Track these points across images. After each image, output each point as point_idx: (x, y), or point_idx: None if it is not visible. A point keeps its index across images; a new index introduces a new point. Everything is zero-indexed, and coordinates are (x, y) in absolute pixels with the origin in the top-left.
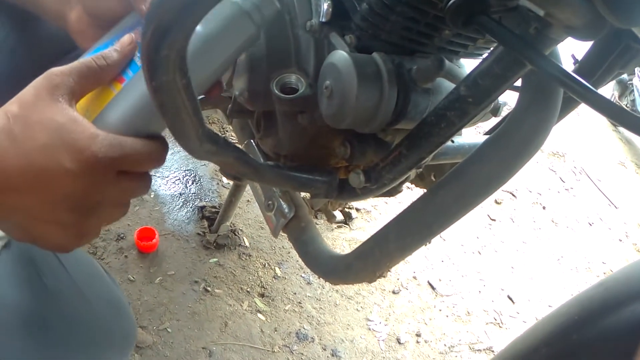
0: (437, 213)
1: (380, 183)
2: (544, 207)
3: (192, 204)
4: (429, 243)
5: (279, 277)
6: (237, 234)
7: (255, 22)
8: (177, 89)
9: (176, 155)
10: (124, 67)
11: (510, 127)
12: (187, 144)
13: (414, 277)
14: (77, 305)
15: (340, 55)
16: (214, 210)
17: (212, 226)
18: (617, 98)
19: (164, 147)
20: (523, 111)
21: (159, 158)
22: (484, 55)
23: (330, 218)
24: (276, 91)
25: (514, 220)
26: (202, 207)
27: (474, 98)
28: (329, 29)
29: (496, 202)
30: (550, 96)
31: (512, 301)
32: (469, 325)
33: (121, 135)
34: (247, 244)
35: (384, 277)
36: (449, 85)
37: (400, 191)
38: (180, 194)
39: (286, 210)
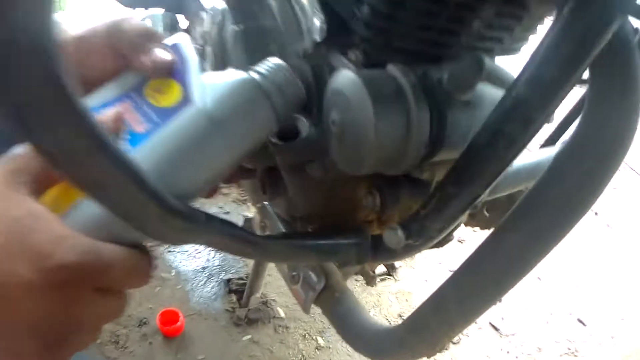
0: (507, 263)
1: (426, 236)
2: (595, 213)
3: (217, 278)
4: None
5: (323, 347)
6: (269, 305)
7: (277, 110)
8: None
9: None
10: None
11: (586, 130)
12: (146, 227)
13: (474, 321)
14: None
15: (344, 77)
16: (241, 282)
17: (242, 300)
18: None
19: (151, 259)
20: (599, 106)
21: (146, 272)
22: (522, 49)
23: (370, 280)
24: (271, 139)
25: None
26: (228, 280)
27: (538, 99)
28: (326, 49)
29: None
30: (631, 78)
31: (583, 324)
32: None
33: (99, 241)
34: (282, 314)
35: (446, 349)
36: (494, 94)
37: (450, 240)
38: (204, 268)
39: (314, 280)
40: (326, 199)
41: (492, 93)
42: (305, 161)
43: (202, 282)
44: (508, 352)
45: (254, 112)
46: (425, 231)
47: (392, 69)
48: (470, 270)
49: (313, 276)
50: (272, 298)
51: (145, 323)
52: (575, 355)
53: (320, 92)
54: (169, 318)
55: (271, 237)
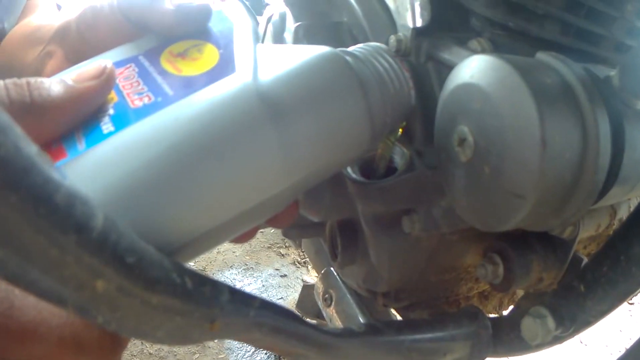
0: None
1: (583, 322)
2: None
3: (268, 350)
4: None
5: None
6: None
7: (373, 115)
8: None
9: (247, 280)
10: (71, 124)
11: None
12: (92, 309)
13: None
14: None
15: (481, 63)
16: None
17: None
18: None
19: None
20: None
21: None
22: None
23: None
24: (353, 175)
25: None
26: None
27: None
28: (433, 41)
29: None
30: None
31: None
32: None
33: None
34: None
35: None
36: None
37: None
38: None
39: None
40: (424, 267)
41: None
42: (401, 211)
43: (249, 354)
44: None
45: (339, 107)
46: (584, 315)
47: (547, 58)
48: None
49: None
50: None
51: None
52: None
53: (426, 103)
54: None
55: (349, 333)
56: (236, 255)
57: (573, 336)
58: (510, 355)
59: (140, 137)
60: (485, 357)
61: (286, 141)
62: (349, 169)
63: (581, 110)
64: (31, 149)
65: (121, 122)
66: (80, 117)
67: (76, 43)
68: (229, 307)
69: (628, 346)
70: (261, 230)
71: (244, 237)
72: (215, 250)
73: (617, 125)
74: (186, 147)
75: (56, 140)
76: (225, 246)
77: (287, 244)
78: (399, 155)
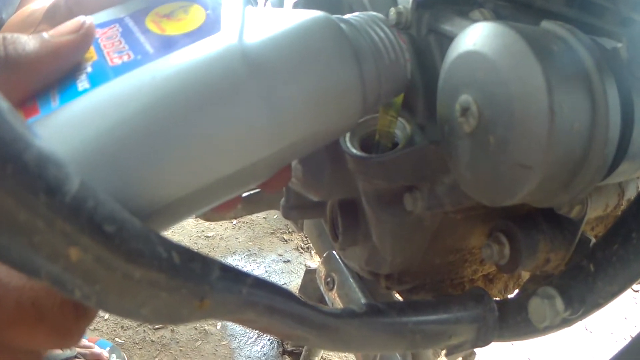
0: None
1: (593, 304)
2: None
3: (270, 336)
4: None
5: None
6: None
7: (366, 84)
8: None
9: (250, 266)
10: (46, 80)
11: None
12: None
13: None
14: None
15: (485, 30)
16: None
17: None
18: None
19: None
20: None
21: (68, 324)
22: None
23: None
24: (353, 150)
25: None
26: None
27: None
28: (435, 12)
29: None
30: None
31: None
32: None
33: None
34: None
35: None
36: None
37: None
38: None
39: None
40: (427, 248)
41: None
42: (403, 188)
43: (252, 340)
44: None
45: (329, 72)
46: (593, 296)
47: (553, 27)
48: None
49: (397, 356)
50: None
51: None
52: None
53: (428, 75)
54: None
55: (349, 313)
56: (239, 242)
57: (582, 319)
58: (517, 340)
59: (115, 94)
60: (491, 341)
61: (271, 105)
62: (349, 144)
63: (590, 79)
64: (1, 104)
65: (98, 79)
66: (56, 73)
67: (65, 20)
68: (220, 285)
69: (633, 334)
70: (264, 216)
71: (224, 208)
72: (217, 237)
73: (626, 98)
74: (162, 105)
75: (31, 98)
76: (228, 232)
77: (290, 230)
78: (401, 130)
